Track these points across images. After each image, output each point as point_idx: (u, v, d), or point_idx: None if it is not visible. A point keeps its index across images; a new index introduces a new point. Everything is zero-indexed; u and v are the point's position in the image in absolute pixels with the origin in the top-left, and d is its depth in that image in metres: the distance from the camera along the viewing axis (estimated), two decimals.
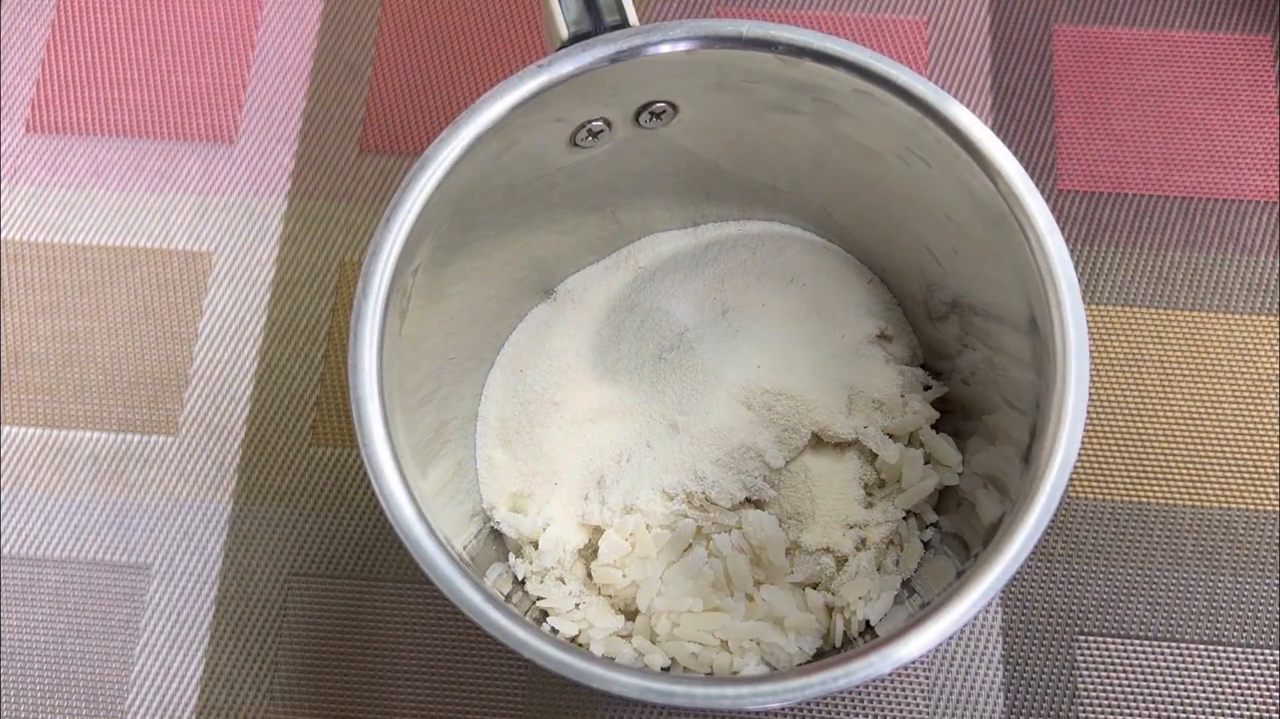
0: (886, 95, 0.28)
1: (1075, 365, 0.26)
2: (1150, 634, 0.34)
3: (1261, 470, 0.36)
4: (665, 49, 0.28)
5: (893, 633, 0.24)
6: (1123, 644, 0.34)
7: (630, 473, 0.32)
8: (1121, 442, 0.36)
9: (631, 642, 0.31)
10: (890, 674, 0.31)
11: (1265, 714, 0.33)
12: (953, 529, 0.31)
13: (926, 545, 0.32)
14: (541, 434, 0.33)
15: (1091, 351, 0.37)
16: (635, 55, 0.28)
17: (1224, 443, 0.36)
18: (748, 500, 0.32)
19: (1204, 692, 0.34)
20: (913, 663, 0.28)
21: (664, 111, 0.30)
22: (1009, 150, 0.27)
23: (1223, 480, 0.36)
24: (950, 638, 0.34)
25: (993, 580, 0.24)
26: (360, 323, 0.27)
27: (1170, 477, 0.36)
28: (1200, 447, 0.36)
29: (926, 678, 0.34)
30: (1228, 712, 0.34)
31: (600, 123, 0.30)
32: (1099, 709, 0.34)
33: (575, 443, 0.33)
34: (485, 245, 0.32)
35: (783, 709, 0.34)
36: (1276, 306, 0.37)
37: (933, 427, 0.33)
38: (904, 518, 0.32)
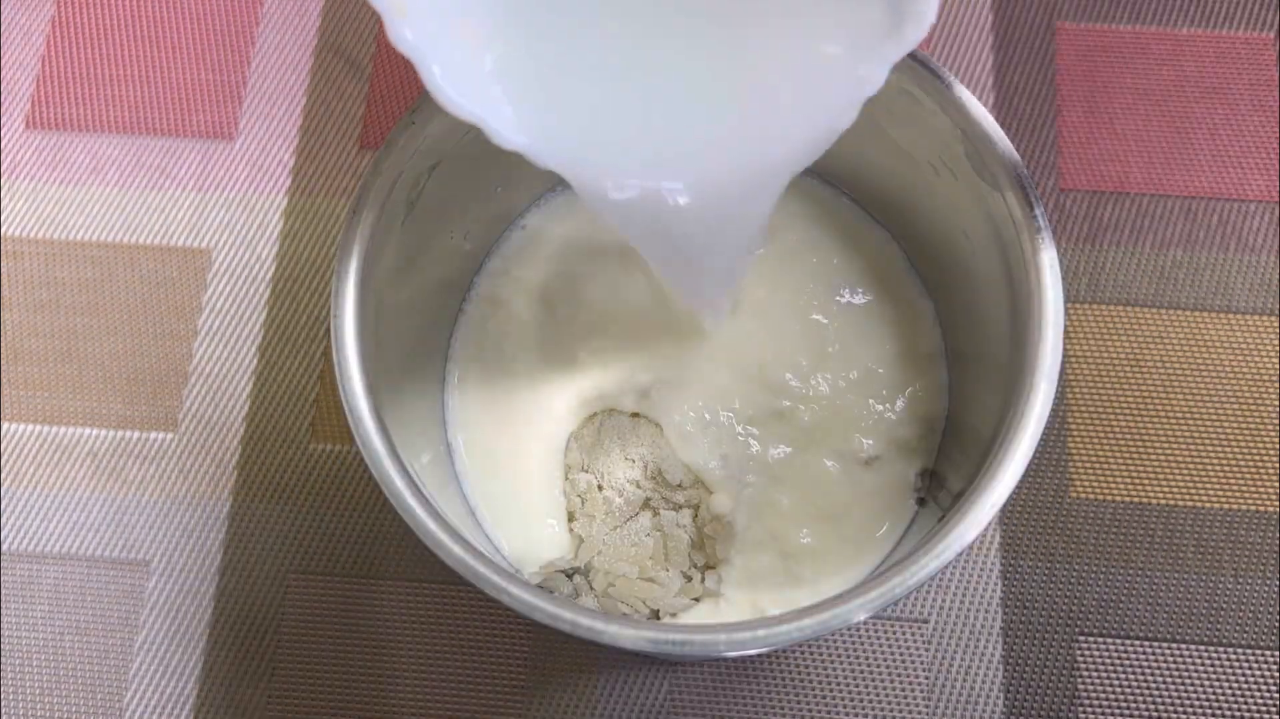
0: (927, 100, 0.28)
1: (1039, 413, 0.25)
2: (1150, 635, 0.34)
3: (1262, 470, 0.36)
4: None
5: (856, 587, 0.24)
6: (1123, 645, 0.34)
7: (593, 430, 0.32)
8: (1121, 442, 0.36)
9: (572, 580, 0.32)
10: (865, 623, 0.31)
11: (1265, 715, 0.33)
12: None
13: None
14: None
15: (1092, 351, 0.37)
16: None
17: (1224, 443, 0.36)
18: (701, 484, 0.32)
19: (1204, 692, 0.34)
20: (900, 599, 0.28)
21: None
22: (1031, 178, 0.27)
23: (1223, 481, 0.36)
24: (948, 570, 0.34)
25: (956, 536, 0.24)
26: (341, 304, 0.27)
27: (1171, 477, 0.36)
28: (1200, 446, 0.36)
29: (927, 678, 0.34)
30: (1228, 712, 0.33)
31: None
32: (1099, 710, 0.34)
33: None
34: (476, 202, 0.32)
35: (771, 708, 0.34)
36: (1278, 306, 0.37)
37: None
38: None
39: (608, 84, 0.23)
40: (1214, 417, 0.36)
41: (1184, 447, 0.36)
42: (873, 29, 0.23)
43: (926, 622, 0.34)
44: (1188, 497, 0.35)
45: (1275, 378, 0.37)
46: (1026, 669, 0.34)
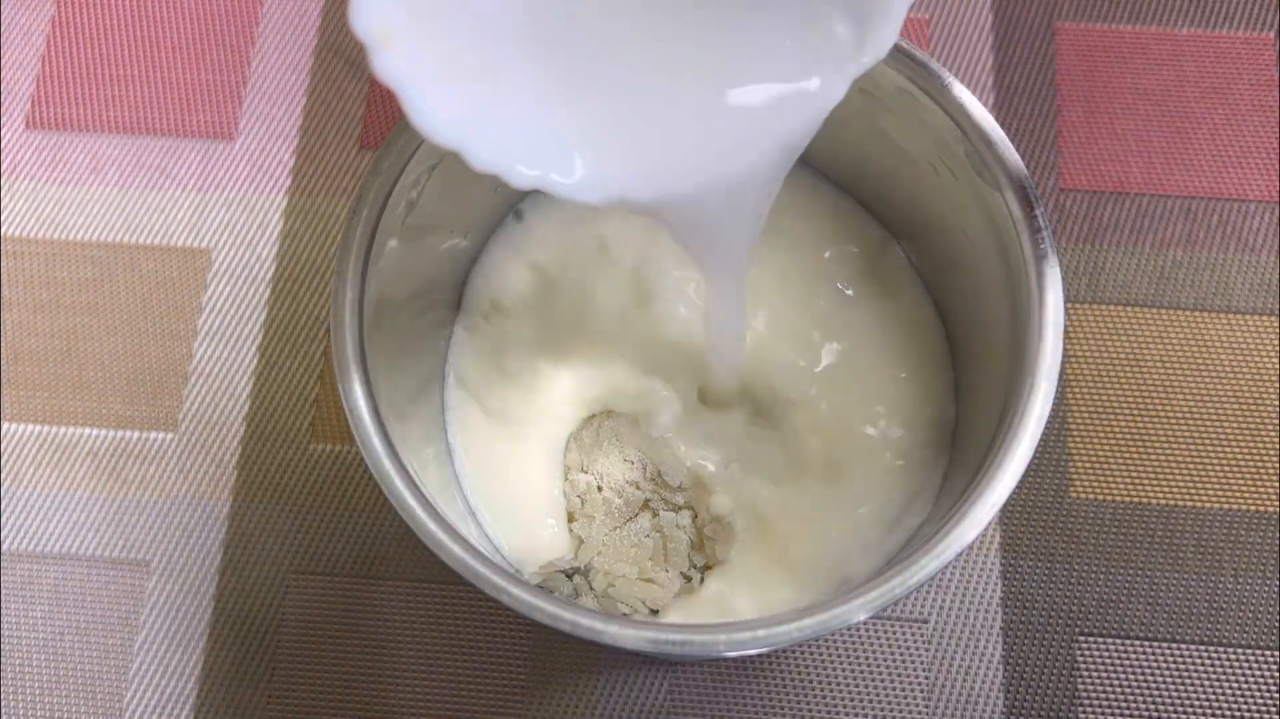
0: (927, 100, 0.28)
1: (1035, 428, 0.25)
2: (1150, 635, 0.34)
3: (1262, 471, 0.36)
4: None
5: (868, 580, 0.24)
6: (1123, 645, 0.34)
7: (591, 431, 0.32)
8: (1122, 442, 0.36)
9: (572, 580, 0.32)
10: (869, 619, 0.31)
11: (1265, 715, 0.33)
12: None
13: None
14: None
15: (1092, 351, 0.37)
16: None
17: (1224, 443, 0.36)
18: (701, 485, 0.32)
19: (1204, 692, 0.34)
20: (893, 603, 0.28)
21: None
22: (1031, 179, 0.27)
23: (1223, 481, 0.36)
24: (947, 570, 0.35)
25: (956, 536, 0.24)
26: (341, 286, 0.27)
27: (1171, 477, 0.36)
28: (1201, 446, 0.36)
29: (926, 678, 0.34)
30: (1228, 712, 0.33)
31: None
32: (1099, 710, 0.34)
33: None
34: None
35: (770, 704, 0.34)
36: (1278, 306, 0.37)
37: None
38: None
39: (583, 103, 0.24)
40: (1214, 417, 0.36)
41: (1184, 447, 0.36)
42: (836, 47, 0.24)
43: (926, 622, 0.34)
44: (1188, 497, 0.35)
45: (1275, 378, 0.37)
46: (1026, 669, 0.34)
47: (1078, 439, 0.36)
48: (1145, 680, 0.34)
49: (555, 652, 0.35)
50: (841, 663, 0.34)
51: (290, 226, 0.39)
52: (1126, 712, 0.34)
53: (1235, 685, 0.34)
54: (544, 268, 0.34)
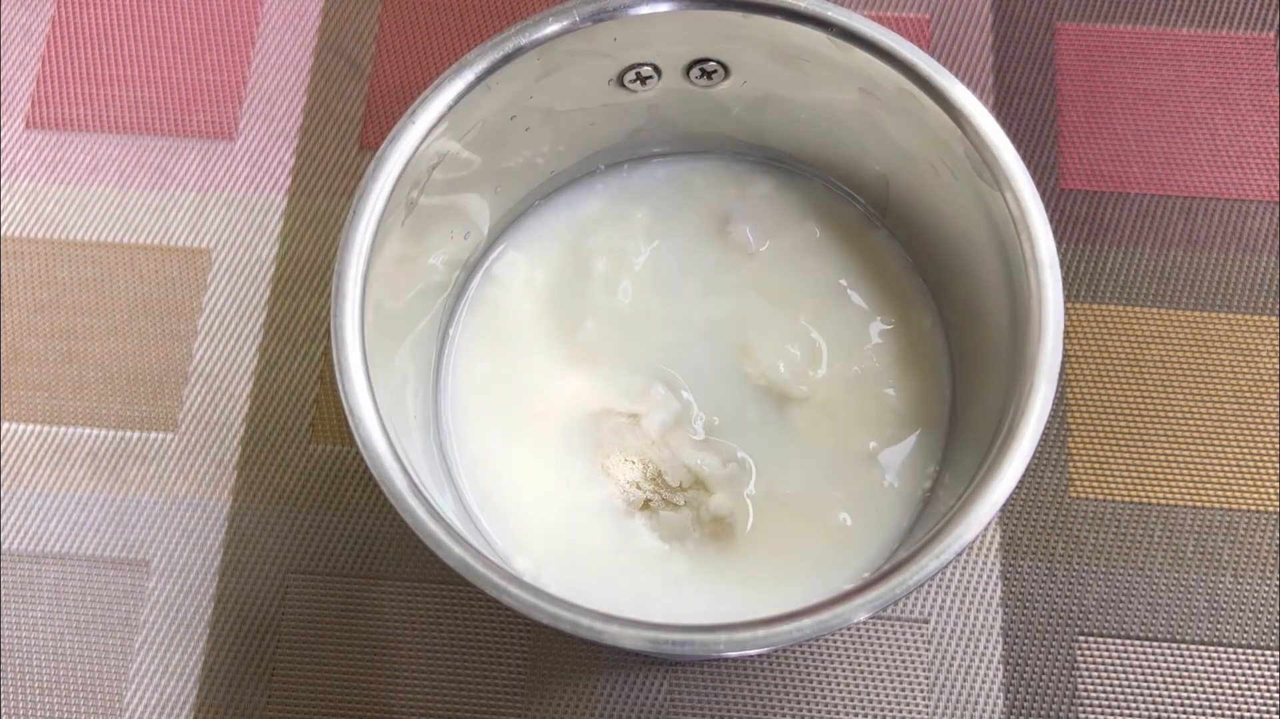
0: (927, 100, 0.28)
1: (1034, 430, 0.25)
2: (1151, 635, 0.34)
3: (1262, 470, 0.36)
4: (717, 9, 0.28)
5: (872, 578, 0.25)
6: (1123, 644, 0.34)
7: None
8: (1122, 441, 0.36)
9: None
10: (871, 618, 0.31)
11: (1265, 715, 0.33)
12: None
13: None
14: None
15: (1092, 351, 0.37)
16: (687, 5, 0.28)
17: (1224, 443, 0.36)
18: (702, 485, 0.32)
19: (1204, 692, 0.34)
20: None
21: (715, 71, 0.31)
22: (1032, 179, 0.27)
23: (1223, 480, 0.36)
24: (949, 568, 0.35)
25: (956, 536, 0.24)
26: (343, 283, 0.27)
27: (1171, 477, 0.36)
28: (1201, 446, 0.36)
29: (926, 678, 0.34)
30: (1228, 712, 0.33)
31: (650, 68, 0.30)
32: (1099, 710, 0.34)
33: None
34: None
35: (770, 705, 0.34)
36: (1278, 307, 0.37)
37: None
38: None
39: None
40: (1214, 416, 0.36)
41: (1184, 446, 0.36)
42: None
43: (926, 622, 0.34)
44: (1188, 496, 0.35)
45: (1275, 378, 0.37)
46: (1026, 669, 0.34)
47: (1078, 439, 0.36)
48: (1145, 680, 0.34)
49: (555, 651, 0.35)
50: (841, 663, 0.34)
51: (290, 227, 0.39)
52: (1126, 712, 0.34)
53: (1235, 685, 0.34)
54: (545, 269, 0.34)
